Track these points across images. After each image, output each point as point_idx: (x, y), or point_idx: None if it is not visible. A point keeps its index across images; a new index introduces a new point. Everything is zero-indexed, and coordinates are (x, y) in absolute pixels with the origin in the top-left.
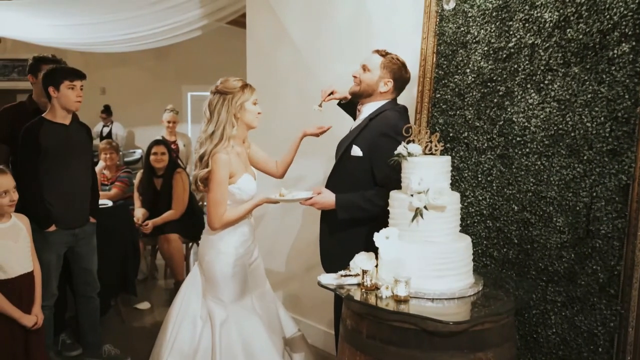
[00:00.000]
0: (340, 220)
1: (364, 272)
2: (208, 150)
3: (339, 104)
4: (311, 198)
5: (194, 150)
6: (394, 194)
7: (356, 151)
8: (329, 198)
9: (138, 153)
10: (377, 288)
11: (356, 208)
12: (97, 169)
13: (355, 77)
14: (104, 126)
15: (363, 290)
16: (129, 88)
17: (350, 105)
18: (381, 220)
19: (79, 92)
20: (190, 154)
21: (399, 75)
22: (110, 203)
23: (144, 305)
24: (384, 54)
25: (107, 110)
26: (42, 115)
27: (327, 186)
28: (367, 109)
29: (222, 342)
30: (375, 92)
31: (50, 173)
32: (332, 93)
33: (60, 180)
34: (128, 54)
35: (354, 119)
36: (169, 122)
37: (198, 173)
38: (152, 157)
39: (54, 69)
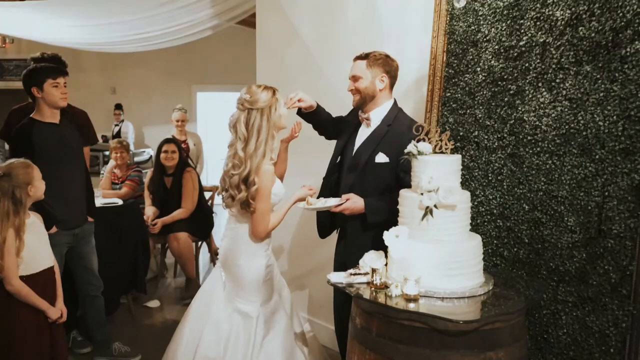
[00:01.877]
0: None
1: (374, 270)
2: (254, 168)
3: (299, 113)
4: (341, 204)
5: (225, 173)
6: (404, 193)
7: (381, 158)
8: (358, 203)
9: (147, 152)
10: (387, 287)
11: (385, 211)
12: (108, 167)
13: (351, 90)
14: (115, 125)
15: (372, 288)
16: (139, 87)
17: (311, 116)
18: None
19: (64, 89)
20: (200, 153)
21: (389, 67)
22: (120, 202)
23: (154, 304)
24: (363, 56)
25: (119, 107)
26: (31, 115)
27: (351, 193)
28: (375, 115)
29: (257, 338)
30: (376, 92)
31: (46, 173)
32: (299, 100)
33: (56, 180)
34: (140, 53)
35: (328, 131)
36: (178, 120)
37: (243, 195)
38: (162, 156)
39: (33, 69)
